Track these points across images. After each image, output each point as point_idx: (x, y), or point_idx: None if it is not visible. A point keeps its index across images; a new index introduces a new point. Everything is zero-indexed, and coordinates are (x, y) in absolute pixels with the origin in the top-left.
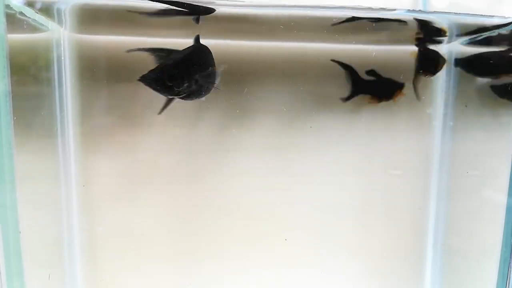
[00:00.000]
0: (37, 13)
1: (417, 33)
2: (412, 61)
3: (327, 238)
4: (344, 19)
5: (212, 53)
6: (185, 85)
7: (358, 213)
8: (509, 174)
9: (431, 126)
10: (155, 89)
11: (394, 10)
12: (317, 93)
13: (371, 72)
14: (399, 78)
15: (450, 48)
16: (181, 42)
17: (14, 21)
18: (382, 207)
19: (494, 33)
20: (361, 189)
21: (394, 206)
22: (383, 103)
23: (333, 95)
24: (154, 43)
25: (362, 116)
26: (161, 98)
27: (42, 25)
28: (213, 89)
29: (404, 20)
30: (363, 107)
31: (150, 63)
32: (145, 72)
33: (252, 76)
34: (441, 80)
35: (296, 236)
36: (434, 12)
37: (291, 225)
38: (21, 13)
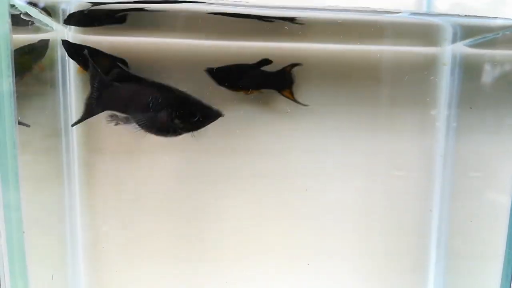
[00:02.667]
0: (42, 13)
1: None
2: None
3: (331, 239)
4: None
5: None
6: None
7: (362, 214)
8: None
9: (435, 127)
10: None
11: (399, 12)
12: (318, 94)
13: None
14: None
15: (454, 49)
16: (183, 42)
17: (19, 21)
18: (386, 208)
19: (498, 34)
20: (364, 190)
21: (398, 207)
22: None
23: (335, 94)
24: (157, 43)
25: (366, 117)
26: None
27: (47, 25)
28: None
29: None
30: (367, 108)
31: (153, 63)
32: None
33: None
34: (445, 81)
35: (300, 237)
36: (439, 14)
37: (294, 227)
38: (26, 14)
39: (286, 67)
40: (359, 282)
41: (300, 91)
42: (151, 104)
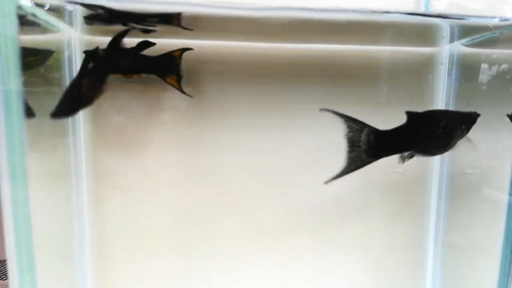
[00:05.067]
0: (48, 14)
1: None
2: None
3: (330, 233)
4: None
5: None
6: None
7: (361, 209)
8: (510, 172)
9: None
10: None
11: (397, 12)
12: (318, 92)
13: None
14: None
15: (452, 48)
16: (186, 43)
17: (26, 22)
18: (384, 204)
19: (495, 33)
20: (363, 186)
21: (396, 203)
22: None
23: (333, 93)
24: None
25: (365, 115)
26: (169, 99)
27: (53, 26)
28: None
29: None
30: (366, 106)
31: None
32: None
33: (255, 76)
34: (442, 80)
35: (300, 231)
36: (437, 15)
37: (295, 221)
38: (33, 15)
39: (174, 51)
40: (357, 275)
41: (301, 90)
42: (446, 129)
